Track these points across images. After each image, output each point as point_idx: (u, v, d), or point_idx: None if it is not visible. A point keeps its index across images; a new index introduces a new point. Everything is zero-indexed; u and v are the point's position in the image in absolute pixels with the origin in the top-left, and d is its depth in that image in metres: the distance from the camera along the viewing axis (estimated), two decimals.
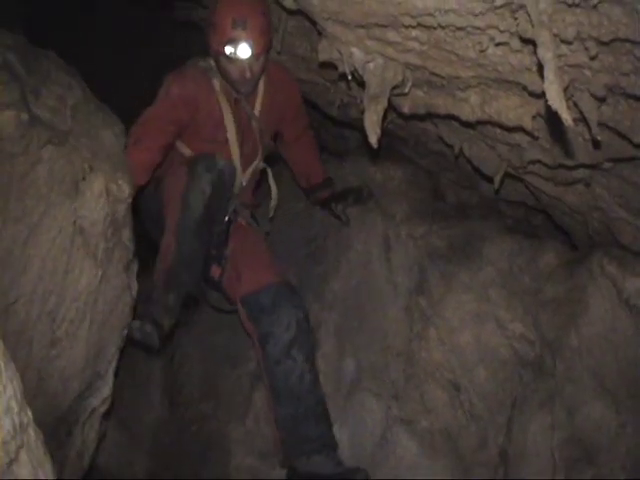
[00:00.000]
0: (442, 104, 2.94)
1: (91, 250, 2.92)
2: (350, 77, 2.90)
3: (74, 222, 2.84)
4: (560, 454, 2.88)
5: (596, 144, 2.64)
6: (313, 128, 4.52)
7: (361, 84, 2.95)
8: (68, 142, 2.93)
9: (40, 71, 3.13)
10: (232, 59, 3.43)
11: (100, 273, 2.94)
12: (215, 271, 3.70)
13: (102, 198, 2.95)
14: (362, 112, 2.82)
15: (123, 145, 3.30)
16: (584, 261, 3.12)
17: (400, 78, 2.78)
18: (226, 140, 3.76)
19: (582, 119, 2.45)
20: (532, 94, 2.50)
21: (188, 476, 3.88)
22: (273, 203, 4.01)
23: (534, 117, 2.66)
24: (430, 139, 3.70)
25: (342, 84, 3.59)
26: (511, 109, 2.69)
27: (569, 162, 2.88)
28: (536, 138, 2.82)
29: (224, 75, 3.58)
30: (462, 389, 3.24)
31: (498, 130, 2.96)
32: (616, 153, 2.72)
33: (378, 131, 2.72)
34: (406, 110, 3.10)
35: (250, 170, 3.90)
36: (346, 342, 3.68)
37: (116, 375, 3.22)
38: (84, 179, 2.89)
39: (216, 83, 3.70)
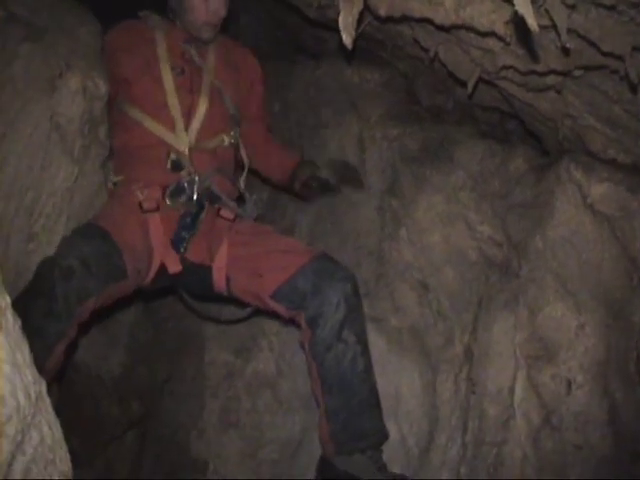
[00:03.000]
0: (417, 7, 2.93)
1: (68, 147, 2.94)
2: None
3: (50, 119, 2.86)
4: (522, 352, 2.96)
5: (566, 51, 2.67)
6: (290, 30, 4.46)
7: None
8: (45, 39, 2.94)
9: None
10: None
11: (77, 170, 2.98)
12: (219, 284, 3.24)
13: (79, 95, 2.97)
14: (339, 13, 2.83)
15: (99, 43, 3.26)
16: (552, 167, 3.16)
17: None
18: (165, 105, 3.35)
19: (553, 26, 2.47)
20: (505, 0, 2.52)
21: (163, 370, 3.98)
22: (243, 176, 3.59)
23: (507, 23, 2.67)
24: (406, 43, 3.69)
25: None
26: (484, 14, 2.70)
27: (540, 68, 2.91)
28: (508, 44, 2.84)
29: (189, 18, 3.42)
30: (430, 288, 3.31)
31: (472, 35, 2.97)
32: (586, 61, 2.74)
33: (353, 33, 2.71)
34: (382, 12, 3.09)
35: (213, 146, 3.44)
36: (319, 242, 3.73)
37: None
38: (60, 76, 2.90)
39: (158, 31, 3.48)
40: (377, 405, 3.01)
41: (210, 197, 3.33)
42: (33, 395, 1.50)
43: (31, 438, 1.48)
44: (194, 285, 3.40)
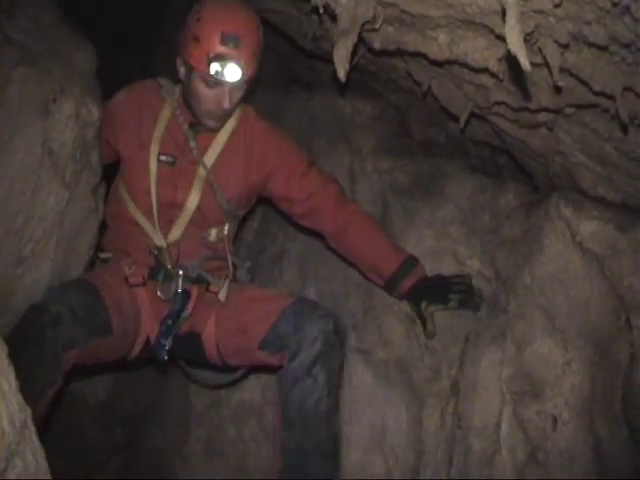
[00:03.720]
0: (412, 41, 2.96)
1: (59, 172, 2.95)
2: (322, 10, 2.89)
3: (43, 143, 2.86)
4: (508, 388, 2.96)
5: (558, 89, 2.69)
6: (284, 60, 4.45)
7: (333, 18, 2.96)
8: (40, 64, 2.94)
9: None
10: (212, 82, 2.95)
11: (67, 195, 2.98)
12: (211, 352, 3.14)
13: (71, 120, 2.97)
14: (333, 46, 2.85)
15: (94, 69, 3.26)
16: (542, 203, 3.18)
17: (371, 14, 2.79)
18: (148, 194, 3.18)
19: (546, 64, 2.49)
20: (499, 37, 2.53)
21: (148, 396, 3.96)
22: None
23: (500, 59, 2.70)
24: (400, 76, 3.72)
25: (315, 17, 3.57)
26: (478, 50, 2.73)
27: (532, 105, 2.93)
28: (501, 80, 2.86)
29: (192, 102, 3.11)
30: (418, 322, 3.31)
31: (465, 70, 3.00)
32: (577, 99, 2.77)
33: (347, 65, 2.73)
34: (377, 46, 3.12)
35: (199, 237, 3.28)
36: (308, 272, 3.74)
37: None
38: (54, 101, 2.91)
39: (167, 106, 3.26)
40: (332, 454, 2.88)
41: (199, 281, 3.25)
42: (18, 423, 1.49)
43: (15, 466, 1.47)
44: (188, 354, 3.35)
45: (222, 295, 3.18)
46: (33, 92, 2.89)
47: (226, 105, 3.01)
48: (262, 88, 4.22)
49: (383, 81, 4.10)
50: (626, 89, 2.49)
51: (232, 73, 2.91)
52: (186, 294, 3.18)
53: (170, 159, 3.19)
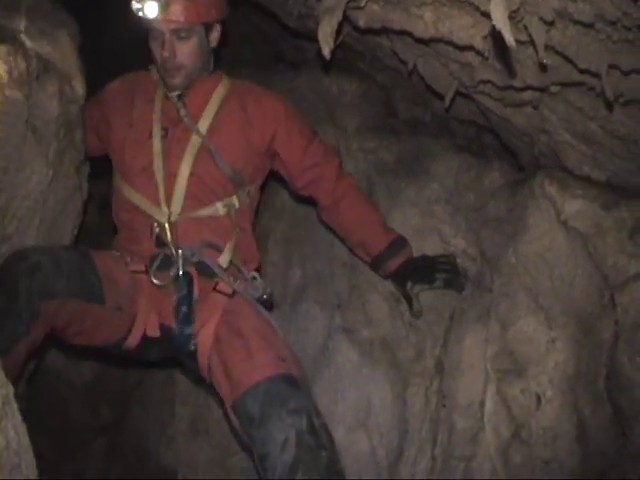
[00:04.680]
0: (397, 19, 2.94)
1: (43, 150, 2.92)
2: None
3: (26, 121, 2.83)
4: (492, 366, 2.97)
5: (543, 67, 2.69)
6: (269, 40, 4.42)
7: None
8: (22, 41, 2.91)
9: None
10: (152, 31, 2.92)
11: (51, 173, 2.96)
12: (203, 370, 2.86)
13: (55, 98, 2.94)
14: (318, 23, 2.83)
15: (78, 46, 3.23)
16: (527, 182, 3.18)
17: None
18: (149, 172, 3.09)
19: (531, 42, 2.49)
20: (484, 14, 2.52)
21: (133, 376, 3.96)
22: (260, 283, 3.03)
23: (485, 37, 2.69)
24: (385, 54, 3.71)
25: None
26: (463, 28, 2.72)
27: (517, 83, 2.92)
28: (486, 58, 2.85)
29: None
30: (402, 300, 3.31)
31: (450, 48, 2.99)
32: (563, 77, 2.76)
33: (331, 43, 2.72)
34: (362, 24, 3.10)
35: (203, 215, 3.08)
36: (294, 251, 3.75)
37: None
38: (37, 79, 2.88)
39: (160, 87, 3.21)
40: None
41: (202, 271, 2.97)
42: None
43: None
44: (175, 354, 3.06)
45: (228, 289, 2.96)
46: (16, 70, 2.86)
47: (165, 53, 2.91)
48: (247, 67, 4.21)
49: (369, 60, 4.08)
50: (611, 67, 2.48)
51: (150, 9, 2.78)
52: (188, 277, 2.95)
53: (162, 132, 3.10)
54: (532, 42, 2.45)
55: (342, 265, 3.57)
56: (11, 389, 1.57)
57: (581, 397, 2.80)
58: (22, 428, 1.61)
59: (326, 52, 2.71)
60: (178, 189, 3.04)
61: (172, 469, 3.74)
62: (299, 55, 4.88)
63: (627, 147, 2.96)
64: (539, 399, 2.84)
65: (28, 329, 2.43)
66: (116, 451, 4.12)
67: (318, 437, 2.46)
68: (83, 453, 4.20)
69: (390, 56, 3.61)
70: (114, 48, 5.05)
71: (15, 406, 1.59)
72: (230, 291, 2.94)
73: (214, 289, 2.95)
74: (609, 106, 2.78)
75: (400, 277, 3.27)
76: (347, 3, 2.79)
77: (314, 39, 2.89)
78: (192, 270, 2.96)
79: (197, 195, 3.07)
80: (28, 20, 3.01)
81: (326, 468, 2.41)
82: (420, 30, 2.89)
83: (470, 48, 2.81)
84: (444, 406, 3.09)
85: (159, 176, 3.04)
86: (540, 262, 2.97)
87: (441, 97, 3.48)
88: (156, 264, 2.94)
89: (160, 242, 3.00)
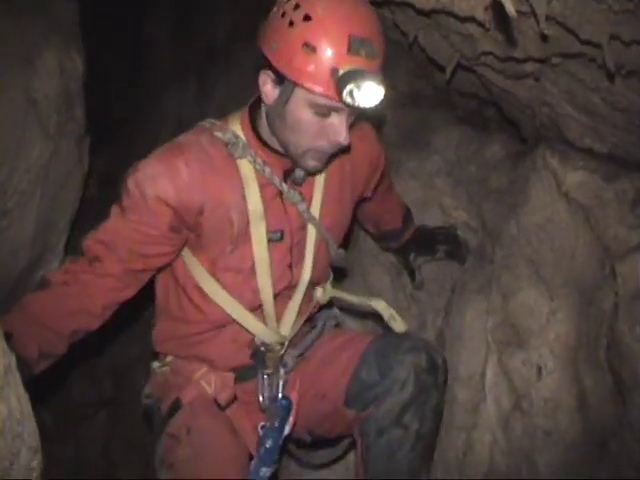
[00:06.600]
0: None
1: (43, 123, 2.93)
2: None
3: (27, 95, 2.84)
4: (493, 337, 2.99)
5: (544, 38, 2.68)
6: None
7: None
8: (22, 16, 2.91)
9: None
10: (327, 108, 2.08)
11: (52, 147, 2.97)
12: (298, 430, 2.61)
13: (56, 73, 2.95)
14: None
15: (77, 20, 3.20)
16: (528, 154, 3.18)
17: None
18: (253, 287, 2.42)
19: (533, 13, 2.48)
20: None
21: (135, 347, 3.95)
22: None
23: (486, 8, 2.68)
24: (387, 27, 3.68)
25: None
26: None
27: (519, 55, 2.91)
28: (488, 29, 2.84)
29: (288, 137, 2.19)
30: (404, 272, 3.32)
31: (452, 20, 2.97)
32: (564, 48, 2.75)
33: None
34: None
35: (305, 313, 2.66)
36: None
37: (66, 250, 3.25)
38: (38, 54, 2.88)
39: (244, 166, 2.30)
40: None
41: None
42: (2, 368, 1.49)
43: None
44: None
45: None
46: (16, 45, 2.86)
47: (344, 139, 2.13)
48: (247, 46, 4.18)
49: None
50: (613, 37, 2.47)
51: (370, 95, 2.03)
52: (287, 402, 2.51)
53: (277, 235, 2.40)
54: (533, 13, 2.44)
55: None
56: (13, 358, 1.58)
57: (582, 368, 2.81)
58: (25, 398, 1.62)
59: None
60: (296, 299, 2.56)
61: None
62: None
63: (628, 119, 2.95)
64: (540, 370, 2.85)
65: None
66: (118, 425, 4.14)
67: (436, 375, 2.47)
68: (86, 427, 4.22)
69: (392, 29, 3.58)
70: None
71: (18, 375, 1.60)
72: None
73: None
74: (610, 78, 2.78)
75: (402, 249, 3.25)
76: None
77: None
78: (293, 394, 2.55)
79: (306, 296, 2.62)
80: None
81: (433, 409, 2.46)
82: (421, 1, 2.87)
83: (471, 19, 2.79)
84: None
85: (269, 296, 2.45)
86: (541, 234, 2.98)
87: (442, 69, 3.46)
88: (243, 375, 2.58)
89: (258, 360, 2.56)
